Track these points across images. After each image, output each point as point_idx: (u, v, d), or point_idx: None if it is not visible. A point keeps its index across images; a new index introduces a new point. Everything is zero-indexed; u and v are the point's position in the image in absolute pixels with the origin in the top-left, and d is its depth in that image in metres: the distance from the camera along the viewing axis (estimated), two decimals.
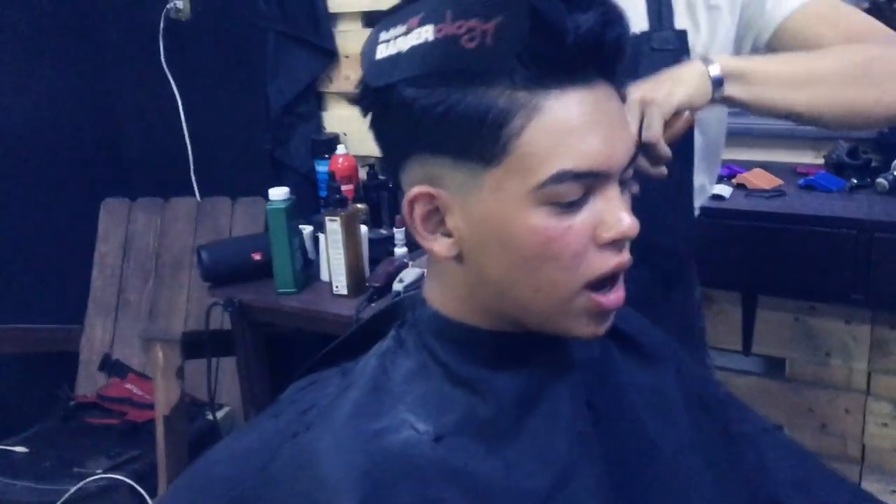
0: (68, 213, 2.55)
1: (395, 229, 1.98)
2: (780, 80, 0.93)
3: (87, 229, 2.53)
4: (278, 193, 1.83)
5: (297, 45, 2.36)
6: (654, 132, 0.86)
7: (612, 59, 0.64)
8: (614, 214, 0.64)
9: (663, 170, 0.88)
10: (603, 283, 0.66)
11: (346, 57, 2.39)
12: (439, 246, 0.68)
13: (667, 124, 0.88)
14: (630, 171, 0.67)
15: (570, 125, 0.62)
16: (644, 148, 0.86)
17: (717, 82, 0.90)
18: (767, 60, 0.99)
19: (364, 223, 1.91)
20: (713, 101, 0.91)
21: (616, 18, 0.62)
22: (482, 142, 0.62)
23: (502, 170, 0.63)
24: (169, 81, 2.55)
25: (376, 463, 0.65)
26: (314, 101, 2.46)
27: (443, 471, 0.66)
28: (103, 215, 2.56)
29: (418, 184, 0.66)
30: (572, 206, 0.64)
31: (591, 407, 0.72)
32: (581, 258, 0.65)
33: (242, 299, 1.87)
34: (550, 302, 0.66)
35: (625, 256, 0.66)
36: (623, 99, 0.68)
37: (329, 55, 2.38)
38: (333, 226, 1.76)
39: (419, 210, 0.67)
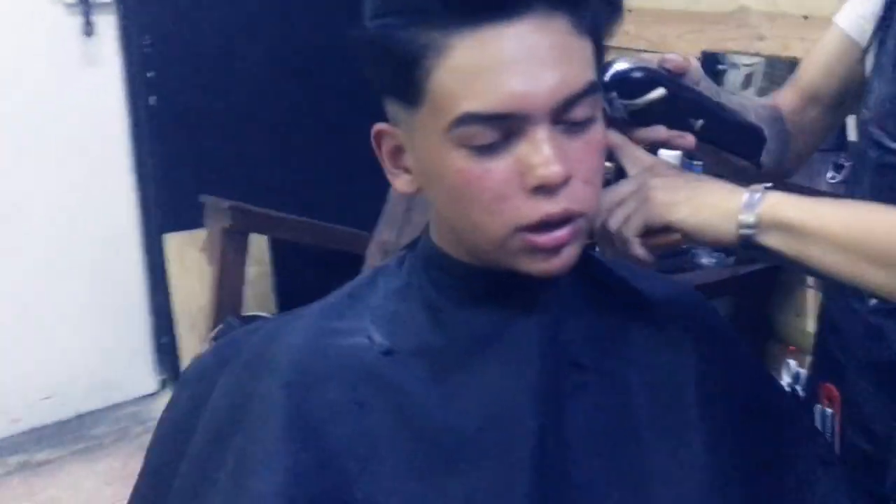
0: None
1: None
2: (843, 245, 0.65)
3: None
4: None
5: None
6: (621, 227, 0.71)
7: None
8: (537, 159, 0.61)
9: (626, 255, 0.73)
10: (539, 227, 0.63)
11: (630, 11, 2.27)
12: (400, 182, 0.70)
13: (649, 231, 0.71)
14: (581, 111, 0.63)
15: (479, 65, 0.60)
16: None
17: (748, 226, 0.67)
18: (834, 207, 0.69)
19: None
20: (736, 246, 0.69)
21: None
22: (403, 82, 0.63)
23: (424, 111, 0.63)
24: None
25: (314, 355, 0.68)
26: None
27: (378, 381, 0.67)
28: None
29: (387, 122, 0.69)
30: (489, 150, 0.62)
31: (578, 367, 0.71)
32: (504, 202, 0.63)
33: None
34: (486, 240, 0.66)
35: (556, 205, 0.62)
36: (585, 29, 0.63)
37: None
38: None
39: (385, 146, 0.69)
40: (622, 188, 0.71)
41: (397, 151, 0.69)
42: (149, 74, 2.41)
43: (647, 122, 0.74)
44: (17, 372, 2.43)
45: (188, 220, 2.38)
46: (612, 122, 0.73)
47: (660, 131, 0.74)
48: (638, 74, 0.73)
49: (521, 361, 0.68)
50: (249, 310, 2.34)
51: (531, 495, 0.64)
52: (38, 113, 2.34)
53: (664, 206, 0.69)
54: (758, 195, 0.67)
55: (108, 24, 2.39)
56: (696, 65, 0.79)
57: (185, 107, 2.48)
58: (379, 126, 0.69)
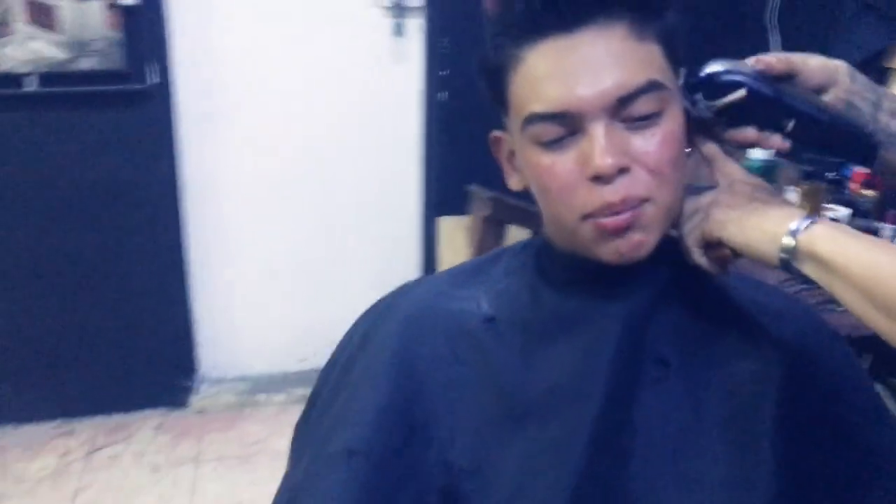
0: None
1: None
2: (858, 286, 0.65)
3: None
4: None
5: (865, 10, 2.15)
6: (686, 236, 0.76)
7: (585, 6, 0.69)
8: (592, 151, 0.69)
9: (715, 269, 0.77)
10: (604, 213, 0.71)
11: None
12: (512, 180, 0.81)
13: (709, 244, 0.75)
14: (642, 107, 0.70)
15: (540, 73, 0.70)
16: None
17: (786, 251, 0.69)
18: (867, 248, 0.66)
19: None
20: (780, 268, 0.70)
21: None
22: (496, 93, 0.76)
23: (511, 115, 0.75)
24: None
25: (428, 310, 0.81)
26: (875, 74, 2.22)
27: (475, 342, 0.78)
28: None
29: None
30: (556, 145, 0.71)
31: (662, 363, 0.76)
32: (571, 191, 0.72)
33: None
34: (563, 227, 0.75)
35: (615, 193, 0.70)
36: (645, 36, 0.70)
37: None
38: None
39: (501, 151, 0.81)
40: (700, 200, 0.76)
41: (510, 155, 0.80)
42: (441, 73, 2.67)
43: (738, 124, 0.77)
44: (307, 323, 2.89)
45: (460, 206, 2.60)
46: (703, 124, 0.76)
47: (748, 133, 0.77)
48: (723, 77, 0.75)
49: (598, 345, 0.75)
50: None
51: (581, 466, 0.70)
52: (350, 100, 2.73)
53: (717, 222, 0.73)
54: (805, 223, 0.68)
55: (415, 27, 2.69)
56: (816, 64, 0.77)
57: (469, 104, 2.70)
58: (494, 133, 0.82)
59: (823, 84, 0.79)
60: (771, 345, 0.77)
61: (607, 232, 0.72)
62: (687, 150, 0.77)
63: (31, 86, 2.32)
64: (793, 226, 0.68)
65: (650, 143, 0.71)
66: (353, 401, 0.78)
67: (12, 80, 2.31)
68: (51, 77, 2.33)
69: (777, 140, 0.77)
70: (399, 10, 2.66)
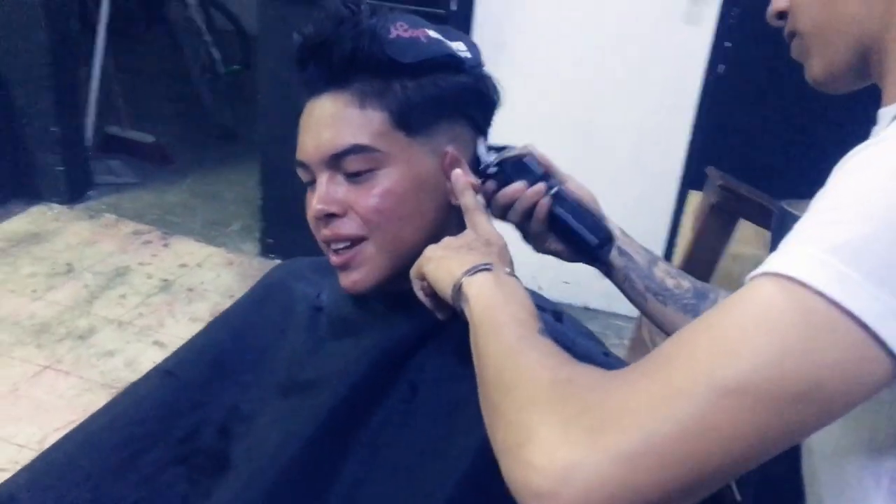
0: None
1: None
2: (486, 336, 0.67)
3: None
4: None
5: None
6: (410, 271, 0.83)
7: (323, 76, 0.83)
8: (313, 197, 0.84)
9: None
10: (329, 246, 0.86)
11: None
12: None
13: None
14: (355, 164, 0.82)
15: (300, 126, 0.86)
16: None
17: (454, 290, 0.74)
18: (514, 305, 0.69)
19: None
20: (453, 304, 0.75)
21: (334, 40, 0.80)
22: None
23: None
24: None
25: (277, 284, 1.02)
26: None
27: (296, 320, 0.96)
28: None
29: None
30: (310, 185, 0.87)
31: (412, 388, 0.85)
32: (314, 225, 0.86)
33: None
34: None
35: (329, 231, 0.84)
36: (361, 104, 0.82)
37: None
38: None
39: None
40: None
41: None
42: (726, 44, 2.55)
43: (509, 181, 0.89)
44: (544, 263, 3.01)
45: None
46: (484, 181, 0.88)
47: (517, 186, 0.88)
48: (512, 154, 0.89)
49: (364, 354, 0.87)
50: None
51: (308, 440, 0.83)
52: (642, 56, 2.73)
53: (425, 258, 0.80)
54: (479, 268, 0.74)
55: None
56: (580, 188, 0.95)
57: (744, 82, 2.56)
58: None
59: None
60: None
61: (335, 266, 0.87)
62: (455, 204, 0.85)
63: None
64: (468, 268, 0.74)
65: (362, 195, 0.83)
66: (195, 335, 1.02)
67: None
68: None
69: (541, 188, 0.88)
70: None
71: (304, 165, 0.86)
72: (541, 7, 2.76)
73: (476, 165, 0.89)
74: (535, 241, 0.94)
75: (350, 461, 0.83)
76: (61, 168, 3.35)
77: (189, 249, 3.24)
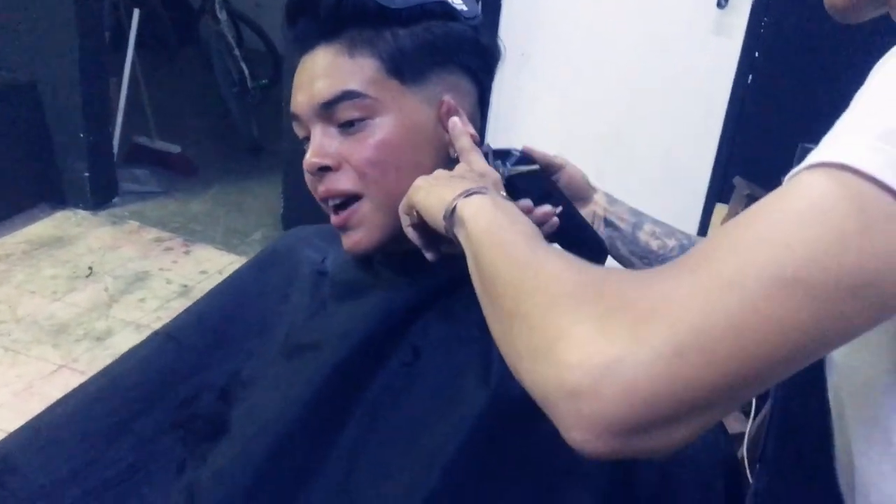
0: None
1: None
2: (491, 251, 0.60)
3: None
4: None
5: None
6: (400, 208, 0.78)
7: (313, 29, 0.81)
8: (308, 150, 0.81)
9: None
10: (335, 205, 0.83)
11: None
12: None
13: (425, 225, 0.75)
14: (345, 113, 0.79)
15: (293, 82, 0.84)
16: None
17: (447, 215, 0.68)
18: (519, 224, 0.63)
19: None
20: (444, 232, 0.70)
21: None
22: None
23: None
24: None
25: (283, 250, 0.99)
26: None
27: (300, 284, 0.93)
28: None
29: None
30: (305, 142, 0.84)
31: (414, 352, 0.82)
32: (309, 182, 0.84)
33: None
34: None
35: (323, 186, 0.82)
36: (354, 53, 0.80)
37: None
38: None
39: None
40: None
41: None
42: (756, 54, 2.51)
43: (518, 196, 0.80)
44: None
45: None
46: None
47: (523, 204, 0.79)
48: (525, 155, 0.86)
49: (364, 319, 0.83)
50: None
51: (307, 404, 0.80)
52: (669, 66, 2.70)
53: (415, 187, 0.75)
54: (473, 191, 0.67)
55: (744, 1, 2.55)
56: (574, 174, 0.93)
57: (774, 93, 2.52)
58: None
59: (577, 196, 0.92)
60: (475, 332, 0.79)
61: (336, 227, 0.84)
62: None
63: None
64: (461, 191, 0.68)
65: (356, 147, 0.80)
66: (198, 300, 1.00)
67: None
68: None
69: (549, 210, 0.80)
70: None
71: (297, 118, 0.84)
72: (567, 18, 2.75)
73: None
74: None
75: (350, 425, 0.80)
76: (88, 175, 3.37)
77: (210, 257, 3.24)
